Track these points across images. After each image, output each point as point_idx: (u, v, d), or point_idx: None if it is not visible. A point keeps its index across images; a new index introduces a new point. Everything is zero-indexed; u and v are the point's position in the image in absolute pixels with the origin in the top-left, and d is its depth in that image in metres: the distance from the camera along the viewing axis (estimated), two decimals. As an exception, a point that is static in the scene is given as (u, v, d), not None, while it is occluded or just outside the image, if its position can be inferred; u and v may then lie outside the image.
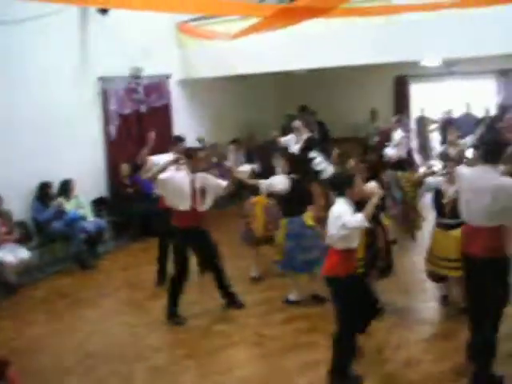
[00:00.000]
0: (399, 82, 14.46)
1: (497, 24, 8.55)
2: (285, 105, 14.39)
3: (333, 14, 6.99)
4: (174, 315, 6.58)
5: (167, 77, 11.47)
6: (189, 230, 6.39)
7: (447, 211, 5.97)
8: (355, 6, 7.94)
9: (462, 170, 5.12)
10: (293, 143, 9.37)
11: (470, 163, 6.36)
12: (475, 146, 8.42)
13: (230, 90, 12.93)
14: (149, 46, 10.50)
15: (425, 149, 13.99)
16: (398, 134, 10.09)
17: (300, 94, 14.38)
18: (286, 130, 9.32)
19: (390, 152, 9.75)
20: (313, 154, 9.20)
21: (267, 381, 5.26)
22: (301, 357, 5.60)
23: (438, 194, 6.13)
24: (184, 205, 6.31)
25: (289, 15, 5.66)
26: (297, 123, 9.54)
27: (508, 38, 8.62)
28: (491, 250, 4.67)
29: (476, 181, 4.75)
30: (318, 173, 8.99)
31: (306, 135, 9.36)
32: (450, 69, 13.19)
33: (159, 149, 10.55)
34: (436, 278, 6.48)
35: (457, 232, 5.54)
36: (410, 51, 9.44)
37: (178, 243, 6.58)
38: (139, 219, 9.92)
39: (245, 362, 5.67)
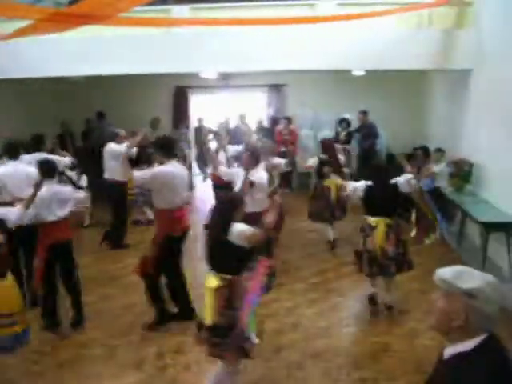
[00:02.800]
0: (179, 93, 14.70)
1: (268, 42, 9.18)
2: (63, 112, 13.78)
3: (111, 22, 6.90)
4: None
5: None
6: None
7: None
8: (135, 15, 7.92)
9: None
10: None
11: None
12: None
13: (4, 95, 11.99)
14: None
15: (203, 157, 14.37)
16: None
17: (78, 102, 13.92)
18: (63, 138, 8.92)
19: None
20: None
21: None
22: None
23: None
24: None
25: (65, 19, 5.45)
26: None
27: (278, 55, 9.28)
28: None
29: None
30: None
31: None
32: (226, 81, 13.78)
33: None
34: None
35: None
36: (189, 63, 9.64)
37: None
38: None
39: None
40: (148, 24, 8.45)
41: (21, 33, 7.01)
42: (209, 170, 12.93)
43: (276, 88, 14.34)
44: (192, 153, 14.48)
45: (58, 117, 13.51)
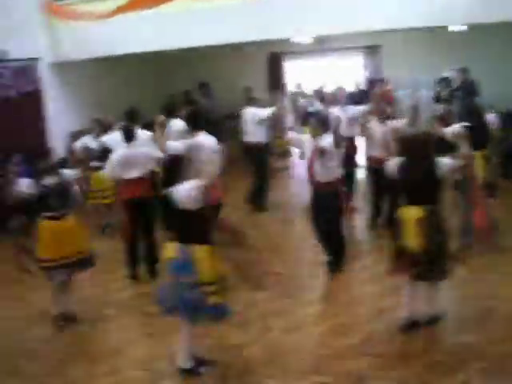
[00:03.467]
0: (273, 59, 14.72)
1: (362, 2, 8.96)
2: (164, 85, 14.20)
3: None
4: None
5: (36, 60, 10.90)
6: None
7: None
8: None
9: None
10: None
11: None
12: None
13: (106, 72, 12.49)
14: (14, 27, 9.94)
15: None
16: None
17: (178, 74, 14.29)
18: (170, 109, 9.18)
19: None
20: None
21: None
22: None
23: None
24: None
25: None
26: None
27: (374, 15, 9.06)
28: None
29: None
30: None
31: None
32: (321, 45, 13.63)
33: (32, 137, 10.13)
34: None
35: None
36: (281, 29, 9.63)
37: None
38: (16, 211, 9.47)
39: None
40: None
41: (121, 10, 7.29)
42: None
43: (371, 49, 14.05)
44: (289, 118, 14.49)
45: (158, 91, 13.93)
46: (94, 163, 8.43)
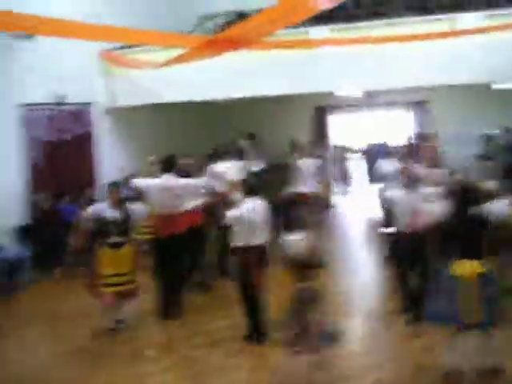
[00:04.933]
0: (318, 112, 14.92)
1: (409, 58, 9.10)
2: (209, 133, 14.53)
3: (255, 47, 7.25)
4: None
5: (90, 105, 11.40)
6: None
7: None
8: (275, 39, 8.25)
9: None
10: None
11: None
12: None
13: (155, 118, 12.92)
14: (73, 73, 10.44)
15: (344, 176, 14.48)
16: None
17: (224, 123, 14.61)
18: (213, 158, 9.50)
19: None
20: None
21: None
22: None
23: None
24: None
25: (217, 46, 5.83)
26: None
27: (418, 71, 9.18)
28: None
29: None
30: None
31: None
32: (367, 100, 13.79)
33: (83, 176, 10.53)
34: None
35: None
36: (328, 83, 9.83)
37: None
38: (60, 247, 9.76)
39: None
40: (289, 47, 8.74)
41: (174, 61, 7.56)
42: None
43: (419, 104, 14.14)
44: (332, 171, 14.62)
45: (200, 139, 14.27)
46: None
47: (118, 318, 7.00)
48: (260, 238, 6.34)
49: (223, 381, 5.67)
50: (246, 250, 6.28)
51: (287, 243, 5.06)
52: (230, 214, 6.31)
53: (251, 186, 6.58)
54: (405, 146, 12.42)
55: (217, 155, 9.28)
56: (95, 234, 6.94)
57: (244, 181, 7.01)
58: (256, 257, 6.30)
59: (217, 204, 7.64)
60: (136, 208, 7.16)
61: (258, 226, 6.31)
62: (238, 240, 6.34)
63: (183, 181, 7.54)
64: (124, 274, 6.82)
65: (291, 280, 5.09)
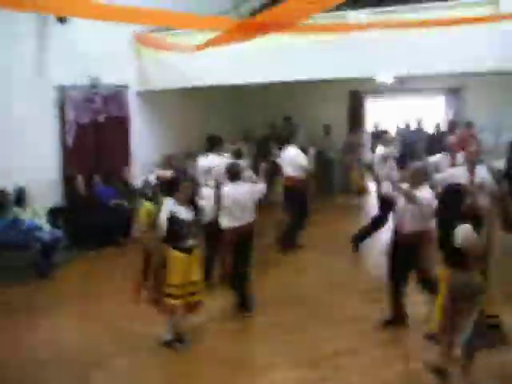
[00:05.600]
0: (354, 97, 14.80)
1: (447, 44, 8.93)
2: (241, 117, 14.55)
3: (291, 30, 7.20)
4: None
5: (125, 87, 11.47)
6: None
7: None
8: (312, 23, 8.18)
9: None
10: None
11: None
12: None
13: (188, 102, 12.95)
14: (107, 56, 10.50)
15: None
16: None
17: (257, 107, 14.59)
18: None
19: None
20: None
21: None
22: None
23: None
24: None
25: (249, 29, 5.81)
26: None
27: (455, 58, 9.00)
28: None
29: None
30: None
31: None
32: (402, 85, 13.60)
33: (116, 160, 10.63)
34: None
35: None
36: (364, 68, 9.72)
37: None
38: (97, 229, 9.91)
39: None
40: (325, 30, 8.66)
41: (209, 44, 7.56)
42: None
43: (454, 91, 13.90)
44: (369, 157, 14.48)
45: (238, 122, 14.28)
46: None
47: (180, 331, 6.22)
48: (246, 219, 6.87)
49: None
50: (234, 230, 6.79)
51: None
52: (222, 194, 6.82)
53: (236, 171, 6.91)
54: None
55: (212, 144, 8.50)
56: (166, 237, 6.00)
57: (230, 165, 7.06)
58: (242, 236, 6.85)
59: None
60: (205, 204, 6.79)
61: (244, 207, 6.81)
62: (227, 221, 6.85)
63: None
64: (194, 283, 6.02)
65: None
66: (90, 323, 6.94)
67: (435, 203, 5.68)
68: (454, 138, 10.11)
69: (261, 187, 7.09)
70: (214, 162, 7.96)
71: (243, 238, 6.86)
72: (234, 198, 6.75)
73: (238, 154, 8.55)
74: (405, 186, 6.10)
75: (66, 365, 5.85)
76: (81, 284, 8.44)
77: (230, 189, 6.81)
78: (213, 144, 8.19)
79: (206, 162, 8.09)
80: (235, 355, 5.99)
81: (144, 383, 5.57)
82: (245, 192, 6.85)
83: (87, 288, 8.19)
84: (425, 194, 6.02)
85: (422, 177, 6.18)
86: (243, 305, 6.99)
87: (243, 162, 8.13)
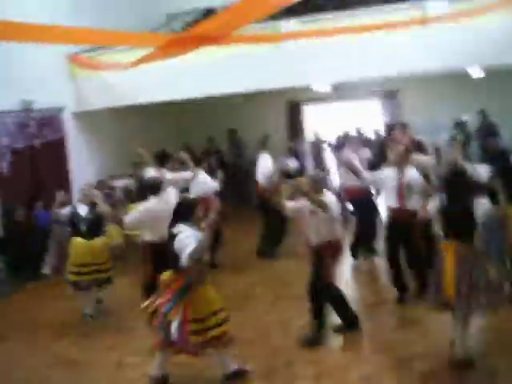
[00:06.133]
0: (292, 107, 14.91)
1: (378, 48, 9.11)
2: (181, 131, 14.46)
3: (224, 42, 7.18)
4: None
5: (60, 109, 11.20)
6: None
7: None
8: (246, 33, 8.20)
9: None
10: None
11: None
12: None
13: (127, 121, 12.76)
14: (40, 78, 10.23)
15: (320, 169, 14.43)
16: None
17: (197, 121, 14.53)
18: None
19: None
20: None
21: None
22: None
23: None
24: None
25: (183, 43, 5.76)
26: None
27: (388, 61, 9.19)
28: None
29: None
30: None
31: None
32: (338, 92, 13.78)
33: (54, 183, 10.32)
34: None
35: None
36: (300, 77, 9.80)
37: None
38: (35, 256, 9.63)
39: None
40: (258, 41, 8.70)
41: (142, 61, 7.47)
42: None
43: (389, 94, 14.18)
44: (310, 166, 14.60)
45: (178, 136, 14.20)
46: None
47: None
48: None
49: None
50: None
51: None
52: None
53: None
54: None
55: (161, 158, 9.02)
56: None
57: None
58: None
59: None
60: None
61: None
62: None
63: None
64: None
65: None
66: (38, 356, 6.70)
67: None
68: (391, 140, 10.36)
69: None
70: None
71: None
72: None
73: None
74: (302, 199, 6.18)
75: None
76: (23, 315, 8.11)
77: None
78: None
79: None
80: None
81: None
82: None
83: (31, 319, 7.90)
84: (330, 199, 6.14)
85: (320, 185, 6.22)
86: None
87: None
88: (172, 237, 5.13)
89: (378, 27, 8.55)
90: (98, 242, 7.48)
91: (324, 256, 6.09)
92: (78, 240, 7.41)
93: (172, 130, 14.30)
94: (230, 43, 7.78)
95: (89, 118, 11.88)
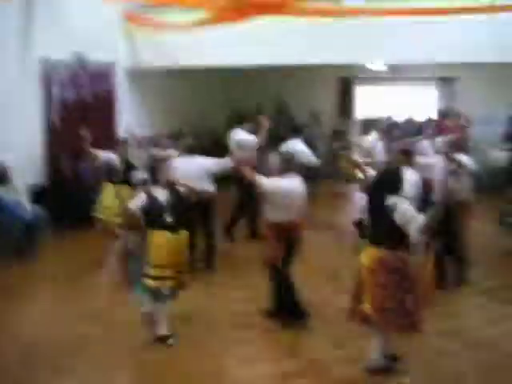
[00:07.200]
0: (344, 83, 14.65)
1: (442, 34, 8.82)
2: (231, 100, 14.37)
3: (286, 12, 7.04)
4: None
5: (112, 65, 11.20)
6: None
7: None
8: (308, 5, 8.01)
9: None
10: None
11: None
12: None
13: (177, 82, 12.75)
14: (95, 32, 10.22)
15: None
16: None
17: (247, 90, 14.41)
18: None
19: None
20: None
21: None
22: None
23: None
24: None
25: (243, 9, 5.65)
26: None
27: (451, 47, 8.90)
28: None
29: None
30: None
31: None
32: (394, 74, 13.46)
33: (103, 136, 10.29)
34: None
35: None
36: (356, 54, 9.60)
37: None
38: (79, 209, 9.69)
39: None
40: (321, 14, 8.49)
41: (200, 23, 7.39)
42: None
43: (446, 81, 13.79)
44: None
45: (225, 103, 14.12)
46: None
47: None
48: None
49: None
50: None
51: None
52: None
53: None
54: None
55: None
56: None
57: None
58: None
59: None
60: None
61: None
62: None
63: None
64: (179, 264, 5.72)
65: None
66: (69, 306, 6.77)
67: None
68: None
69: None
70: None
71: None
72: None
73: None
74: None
75: (47, 350, 5.64)
76: (64, 265, 8.20)
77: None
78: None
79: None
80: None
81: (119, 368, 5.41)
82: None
83: (69, 270, 7.98)
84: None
85: (289, 165, 5.99)
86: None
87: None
88: (383, 209, 4.77)
89: (443, 11, 8.24)
90: (184, 235, 5.85)
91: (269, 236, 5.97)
92: (161, 233, 5.63)
93: (219, 98, 14.22)
94: (291, 14, 7.63)
95: (140, 76, 11.86)
